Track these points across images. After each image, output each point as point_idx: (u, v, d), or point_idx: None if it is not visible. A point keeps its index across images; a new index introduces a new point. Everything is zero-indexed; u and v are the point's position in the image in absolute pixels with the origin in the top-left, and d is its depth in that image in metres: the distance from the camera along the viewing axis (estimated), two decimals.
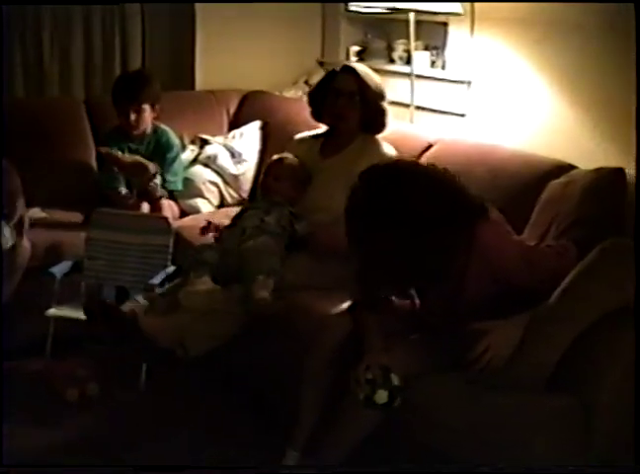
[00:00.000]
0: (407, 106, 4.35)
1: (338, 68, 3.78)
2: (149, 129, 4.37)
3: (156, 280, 3.61)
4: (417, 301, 2.88)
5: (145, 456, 3.14)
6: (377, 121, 3.69)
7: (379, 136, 3.71)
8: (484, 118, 4.18)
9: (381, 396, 2.57)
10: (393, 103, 3.87)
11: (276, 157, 3.82)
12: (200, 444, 3.24)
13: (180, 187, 4.40)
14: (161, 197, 4.23)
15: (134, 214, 3.99)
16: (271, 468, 2.44)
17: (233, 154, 4.62)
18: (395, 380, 2.57)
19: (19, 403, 3.53)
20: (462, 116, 4.31)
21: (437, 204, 2.48)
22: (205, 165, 4.59)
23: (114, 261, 3.87)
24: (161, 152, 4.37)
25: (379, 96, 3.67)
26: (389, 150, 3.62)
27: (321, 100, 3.77)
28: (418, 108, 4.38)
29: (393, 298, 2.93)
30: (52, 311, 3.71)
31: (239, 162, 4.60)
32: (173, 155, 4.40)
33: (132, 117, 4.27)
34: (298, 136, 3.95)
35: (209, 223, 3.71)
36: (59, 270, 3.77)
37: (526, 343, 2.48)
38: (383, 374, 2.57)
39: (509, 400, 2.46)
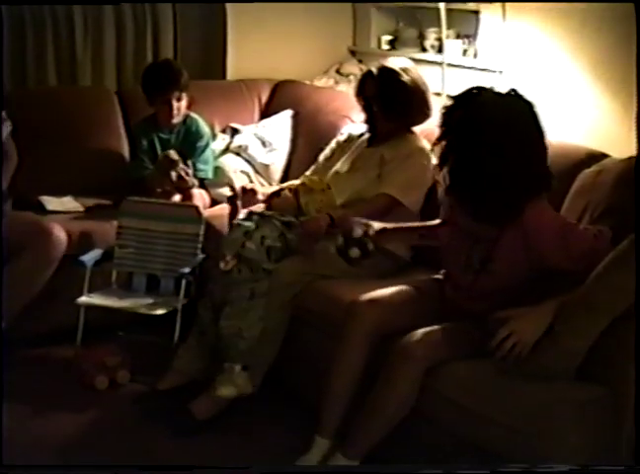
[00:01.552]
0: (439, 94, 4.32)
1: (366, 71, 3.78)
2: (180, 118, 4.36)
3: (186, 269, 3.61)
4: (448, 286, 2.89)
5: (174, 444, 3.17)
6: (409, 118, 3.65)
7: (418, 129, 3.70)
8: None
9: (354, 252, 2.92)
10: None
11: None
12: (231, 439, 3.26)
13: (210, 175, 4.39)
14: (192, 187, 4.22)
15: (165, 203, 3.99)
16: (271, 468, 2.44)
17: (264, 143, 4.62)
18: (370, 246, 2.91)
19: (50, 389, 3.58)
20: None
21: (526, 153, 2.55)
22: (236, 154, 4.59)
23: (144, 249, 3.89)
24: (191, 141, 4.37)
25: (409, 93, 3.60)
26: (420, 143, 3.62)
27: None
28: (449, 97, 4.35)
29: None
30: (83, 299, 3.73)
31: (270, 151, 4.59)
32: (203, 144, 4.40)
33: (162, 106, 4.27)
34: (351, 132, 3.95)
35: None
36: (90, 258, 3.78)
37: (556, 330, 2.46)
38: (363, 236, 2.91)
39: (539, 388, 2.45)
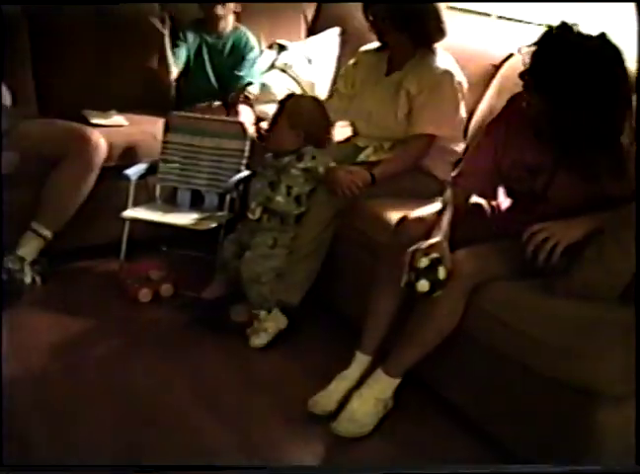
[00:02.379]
0: (488, 15, 4.20)
1: None
2: (229, 28, 4.33)
3: (230, 184, 3.60)
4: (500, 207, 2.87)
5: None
6: (423, 36, 3.46)
7: (440, 46, 3.51)
8: None
9: (423, 286, 2.59)
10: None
11: (287, 98, 3.58)
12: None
13: (256, 91, 4.35)
14: (238, 102, 4.19)
15: (211, 118, 3.95)
16: (272, 468, 2.45)
17: (310, 61, 4.55)
18: (441, 274, 2.58)
19: (94, 301, 3.61)
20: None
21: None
22: (282, 71, 4.53)
23: (188, 164, 3.88)
24: (239, 53, 4.35)
25: (419, 12, 3.42)
26: (444, 63, 3.43)
27: None
28: (500, 17, 4.23)
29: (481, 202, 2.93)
30: (127, 213, 3.73)
31: (316, 69, 4.53)
32: (252, 57, 4.37)
33: (213, 9, 4.24)
34: (365, 48, 3.78)
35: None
36: (134, 172, 3.78)
37: (602, 245, 2.42)
38: (431, 265, 2.58)
39: (585, 307, 2.42)
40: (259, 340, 3.28)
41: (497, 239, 2.79)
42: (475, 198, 2.95)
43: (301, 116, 3.40)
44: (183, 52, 4.35)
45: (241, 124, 3.88)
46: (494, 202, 2.91)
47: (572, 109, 2.43)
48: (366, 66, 3.67)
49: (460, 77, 3.41)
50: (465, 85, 3.44)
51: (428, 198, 3.08)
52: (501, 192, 2.90)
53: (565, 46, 2.44)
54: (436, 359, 2.72)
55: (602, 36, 2.44)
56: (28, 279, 3.57)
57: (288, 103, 3.46)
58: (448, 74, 3.39)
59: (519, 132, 2.69)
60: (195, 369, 3.13)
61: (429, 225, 2.81)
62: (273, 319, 3.31)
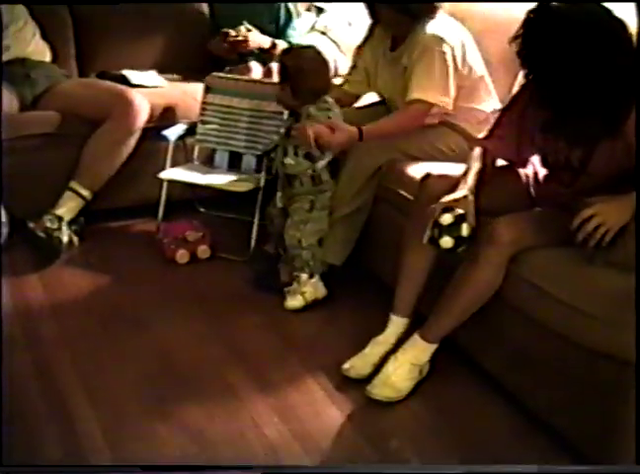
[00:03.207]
0: None
1: None
2: None
3: (269, 146, 3.59)
4: (538, 176, 2.82)
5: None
6: (416, 11, 3.30)
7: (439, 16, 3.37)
8: None
9: (446, 242, 2.61)
10: None
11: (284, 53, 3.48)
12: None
13: None
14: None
15: (249, 80, 3.94)
16: (273, 468, 2.44)
17: (350, 23, 4.51)
18: (464, 230, 2.60)
19: (132, 261, 3.63)
20: None
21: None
22: (322, 33, 4.49)
23: (227, 126, 3.87)
24: (278, 16, 4.33)
25: None
26: (434, 29, 3.28)
27: None
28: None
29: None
30: (166, 174, 3.74)
31: (356, 32, 4.48)
32: (284, 20, 4.36)
33: None
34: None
35: None
36: (173, 133, 3.78)
37: None
38: (455, 222, 2.59)
39: (624, 278, 2.38)
40: (294, 302, 3.28)
41: (535, 207, 2.76)
42: (512, 168, 2.92)
43: (302, 71, 3.23)
44: None
45: None
46: (531, 171, 2.87)
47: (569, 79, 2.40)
48: (376, 41, 3.58)
49: (453, 41, 3.29)
50: (459, 49, 3.31)
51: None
52: (537, 161, 2.86)
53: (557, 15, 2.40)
54: (473, 326, 2.70)
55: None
56: (65, 239, 3.59)
57: (286, 59, 3.33)
58: (435, 39, 3.27)
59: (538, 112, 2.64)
60: (231, 329, 3.14)
61: (453, 182, 2.79)
62: (312, 285, 3.31)
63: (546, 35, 2.41)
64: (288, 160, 3.29)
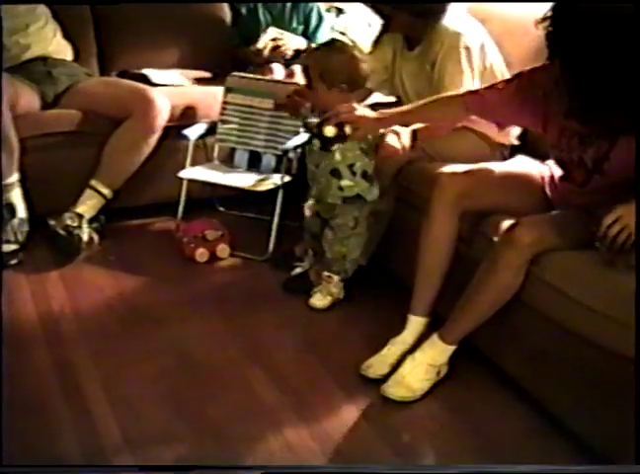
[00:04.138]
0: None
1: None
2: None
3: (288, 146, 3.60)
4: (554, 177, 2.81)
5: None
6: (431, 13, 3.33)
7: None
8: None
9: (329, 130, 2.85)
10: None
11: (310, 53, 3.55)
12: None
13: None
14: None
15: (269, 80, 3.96)
16: (272, 467, 2.44)
17: (370, 24, 4.51)
18: (347, 130, 2.85)
19: (151, 260, 3.65)
20: None
21: None
22: (342, 34, 4.50)
23: (247, 125, 3.88)
24: (309, 19, 4.36)
25: None
26: (454, 26, 3.30)
27: None
28: None
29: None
30: (185, 173, 3.75)
31: (374, 32, 4.48)
32: (316, 22, 4.36)
33: None
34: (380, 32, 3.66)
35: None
36: (193, 132, 3.79)
37: None
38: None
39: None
40: (323, 302, 3.29)
41: (552, 209, 2.76)
42: (528, 169, 2.92)
43: (334, 70, 3.12)
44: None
45: (299, 85, 3.85)
46: (547, 172, 2.86)
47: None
48: (390, 45, 3.58)
49: (474, 37, 3.29)
50: (476, 48, 3.29)
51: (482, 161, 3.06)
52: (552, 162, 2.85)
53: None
54: (491, 327, 2.70)
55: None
56: (85, 237, 3.61)
57: (315, 56, 3.25)
58: (457, 36, 3.27)
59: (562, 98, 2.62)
60: (249, 328, 3.14)
61: (473, 179, 2.81)
62: (338, 286, 3.32)
63: (578, 16, 2.36)
64: (346, 182, 3.20)
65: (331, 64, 3.11)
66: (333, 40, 3.37)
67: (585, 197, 2.67)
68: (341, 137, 2.88)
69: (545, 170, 2.89)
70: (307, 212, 3.41)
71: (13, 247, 3.55)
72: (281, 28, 4.30)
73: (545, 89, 2.62)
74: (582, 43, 2.37)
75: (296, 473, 2.42)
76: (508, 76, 3.40)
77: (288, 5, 4.34)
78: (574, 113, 2.53)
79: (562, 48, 2.43)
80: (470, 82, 3.25)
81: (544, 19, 2.44)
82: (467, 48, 3.26)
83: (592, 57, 2.36)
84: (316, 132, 2.95)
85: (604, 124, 2.50)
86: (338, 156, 3.15)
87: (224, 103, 3.90)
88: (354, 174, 3.18)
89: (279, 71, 4.17)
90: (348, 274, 3.33)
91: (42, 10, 3.97)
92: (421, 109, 2.93)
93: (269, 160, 3.84)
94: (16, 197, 3.60)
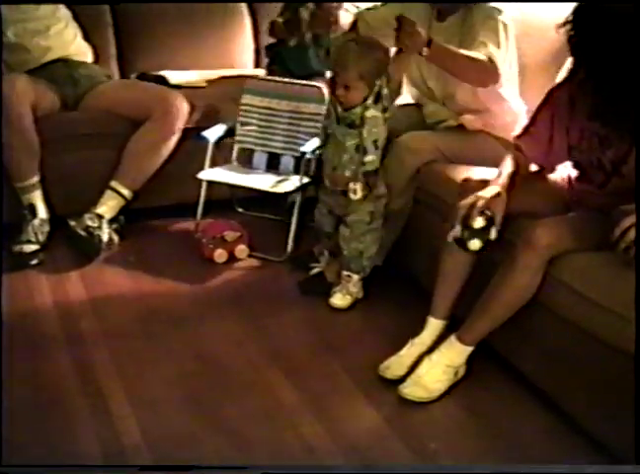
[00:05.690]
0: None
1: None
2: None
3: (307, 148, 3.61)
4: (573, 180, 2.81)
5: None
6: None
7: None
8: None
9: (475, 244, 2.66)
10: None
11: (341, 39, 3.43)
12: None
13: None
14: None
15: (289, 82, 3.95)
16: (273, 468, 2.44)
17: None
18: (493, 234, 2.63)
19: (170, 260, 3.67)
20: None
21: None
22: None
23: (266, 127, 3.89)
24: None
25: None
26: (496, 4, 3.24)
27: None
28: None
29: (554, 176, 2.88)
30: (205, 174, 3.76)
31: None
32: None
33: None
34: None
35: None
36: (213, 134, 3.81)
37: None
38: (486, 224, 2.62)
39: None
40: (343, 301, 3.30)
41: (570, 211, 2.76)
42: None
43: (360, 62, 3.07)
44: None
45: (319, 88, 3.86)
46: (565, 174, 2.86)
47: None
48: (416, 14, 3.33)
49: (509, 18, 3.22)
50: (512, 29, 3.22)
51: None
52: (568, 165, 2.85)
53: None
54: (509, 328, 2.70)
55: None
56: (105, 237, 3.63)
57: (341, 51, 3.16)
58: (496, 10, 3.20)
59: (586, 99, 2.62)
60: (268, 329, 3.16)
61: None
62: (357, 285, 3.33)
63: (599, 19, 2.37)
64: (370, 157, 3.16)
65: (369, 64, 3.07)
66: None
67: (601, 199, 2.67)
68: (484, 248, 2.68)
69: (563, 172, 2.89)
70: (327, 183, 3.32)
71: (34, 247, 3.59)
72: None
73: (570, 94, 2.64)
74: (604, 46, 2.38)
75: (297, 473, 2.43)
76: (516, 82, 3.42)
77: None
78: (597, 114, 2.54)
79: (585, 51, 2.44)
80: (502, 56, 3.14)
81: (565, 22, 2.44)
82: (505, 25, 3.19)
83: (615, 59, 2.37)
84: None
85: (626, 126, 2.50)
86: (365, 133, 3.14)
87: (243, 104, 3.91)
88: (377, 148, 3.20)
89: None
90: (366, 272, 3.34)
91: (63, 12, 4.00)
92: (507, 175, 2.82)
93: (287, 161, 3.85)
94: (37, 197, 3.65)
